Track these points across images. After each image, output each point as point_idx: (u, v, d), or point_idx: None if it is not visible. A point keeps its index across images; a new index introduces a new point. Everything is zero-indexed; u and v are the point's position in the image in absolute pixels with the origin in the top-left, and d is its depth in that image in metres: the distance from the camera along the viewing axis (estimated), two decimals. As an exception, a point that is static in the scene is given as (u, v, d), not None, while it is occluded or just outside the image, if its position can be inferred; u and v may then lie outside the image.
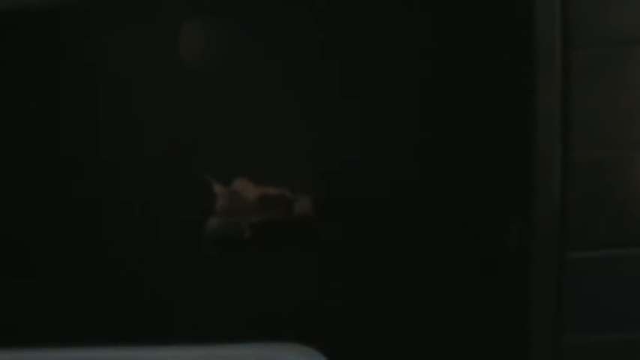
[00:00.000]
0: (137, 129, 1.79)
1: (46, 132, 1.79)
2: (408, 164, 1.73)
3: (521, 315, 1.53)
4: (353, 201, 1.75)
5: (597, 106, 1.47)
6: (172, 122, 1.79)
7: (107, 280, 1.77)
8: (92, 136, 1.79)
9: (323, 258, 1.76)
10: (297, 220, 1.79)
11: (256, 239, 1.79)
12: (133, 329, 1.65)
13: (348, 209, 1.75)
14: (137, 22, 1.76)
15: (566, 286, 1.51)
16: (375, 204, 1.74)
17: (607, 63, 1.47)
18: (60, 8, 1.70)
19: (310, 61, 1.74)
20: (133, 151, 1.79)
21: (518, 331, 1.55)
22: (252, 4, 1.73)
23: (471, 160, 1.67)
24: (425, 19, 1.67)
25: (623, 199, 1.49)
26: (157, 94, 1.78)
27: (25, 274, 1.78)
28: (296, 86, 1.76)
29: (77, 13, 1.73)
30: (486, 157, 1.65)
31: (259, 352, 1.42)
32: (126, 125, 1.79)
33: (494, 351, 1.61)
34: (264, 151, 1.78)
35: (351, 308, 1.75)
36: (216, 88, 1.78)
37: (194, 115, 1.79)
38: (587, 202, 1.49)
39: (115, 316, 1.74)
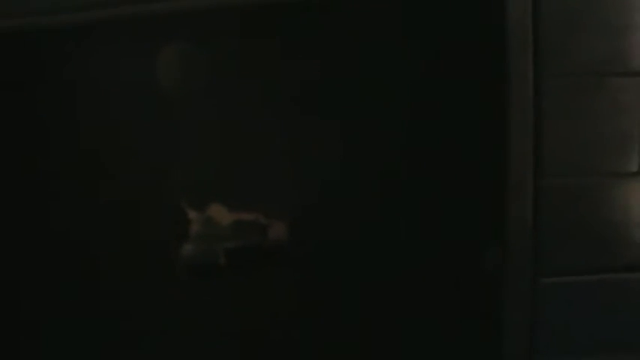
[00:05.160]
0: (114, 153, 1.79)
1: (24, 152, 1.79)
2: (385, 191, 1.74)
3: (495, 340, 1.54)
4: (327, 226, 1.76)
5: (568, 134, 1.49)
6: (147, 148, 1.79)
7: (82, 306, 1.77)
8: (70, 158, 1.79)
9: (297, 283, 1.77)
10: (272, 245, 1.80)
11: (231, 265, 1.79)
12: (106, 350, 1.66)
13: (322, 235, 1.76)
14: (116, 45, 1.77)
15: (538, 311, 1.53)
16: (349, 230, 1.75)
17: (578, 92, 1.49)
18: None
19: (287, 87, 1.75)
20: (108, 177, 1.79)
21: (492, 356, 1.56)
22: (229, 30, 1.74)
23: (447, 185, 1.68)
24: (399, 52, 1.69)
25: (594, 226, 1.51)
26: (133, 119, 1.78)
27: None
28: (271, 112, 1.76)
29: (60, 34, 1.73)
30: (462, 183, 1.66)
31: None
32: (102, 150, 1.79)
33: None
34: (238, 176, 1.79)
35: (326, 332, 1.75)
36: (193, 114, 1.79)
37: (169, 141, 1.79)
38: (558, 228, 1.51)
39: (91, 342, 1.74)
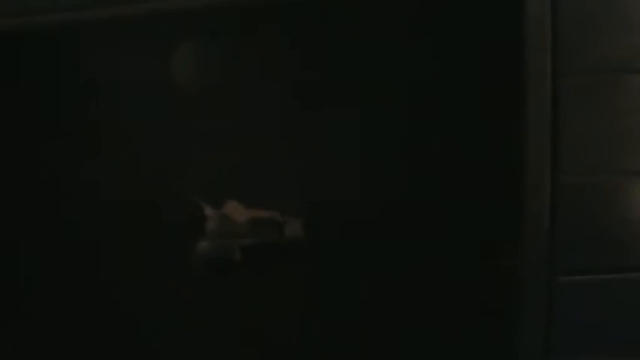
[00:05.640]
0: (130, 151, 1.80)
1: (33, 150, 1.80)
2: (400, 188, 1.74)
3: (510, 339, 1.54)
4: (343, 224, 1.76)
5: (586, 132, 1.49)
6: (165, 145, 1.79)
7: (96, 304, 1.77)
8: (83, 155, 1.80)
9: (312, 280, 1.77)
10: (288, 242, 1.80)
11: (247, 262, 1.80)
12: (121, 350, 1.66)
13: (338, 232, 1.76)
14: (130, 42, 1.77)
15: (555, 310, 1.52)
16: (366, 226, 1.75)
17: (596, 90, 1.48)
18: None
19: (302, 85, 1.76)
20: (125, 173, 1.80)
21: (507, 355, 1.55)
22: (244, 26, 1.74)
23: (465, 184, 1.68)
24: (415, 49, 1.69)
25: (611, 224, 1.50)
26: (149, 116, 1.79)
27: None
28: (288, 110, 1.77)
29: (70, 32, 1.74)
30: (479, 181, 1.66)
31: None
32: (118, 147, 1.79)
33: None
34: (255, 174, 1.79)
35: (341, 329, 1.75)
36: (209, 111, 1.79)
37: (186, 138, 1.80)
38: (575, 226, 1.50)
39: (104, 338, 1.75)
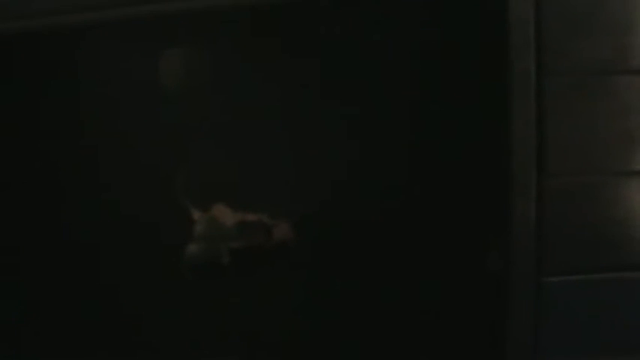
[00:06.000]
0: (117, 153, 1.79)
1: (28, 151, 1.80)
2: (388, 190, 1.73)
3: (498, 341, 1.53)
4: (331, 227, 1.75)
5: (572, 133, 1.48)
6: (151, 148, 1.79)
7: (84, 305, 1.77)
8: (73, 158, 1.79)
9: (301, 283, 1.77)
10: (276, 245, 1.80)
11: (235, 265, 1.79)
12: (107, 351, 1.66)
13: (326, 235, 1.76)
14: (119, 45, 1.77)
15: (543, 310, 1.52)
16: (355, 229, 1.75)
17: (582, 91, 1.48)
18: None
19: (290, 86, 1.75)
20: (113, 175, 1.79)
21: (495, 356, 1.55)
22: (234, 30, 1.74)
23: (450, 186, 1.68)
24: (399, 51, 1.68)
25: (598, 225, 1.50)
26: (136, 119, 1.78)
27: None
28: (275, 111, 1.76)
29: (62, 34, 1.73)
30: (464, 183, 1.66)
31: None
32: (105, 149, 1.79)
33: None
34: (242, 177, 1.79)
35: (330, 333, 1.75)
36: (195, 114, 1.79)
37: (173, 141, 1.79)
38: (562, 227, 1.50)
39: (90, 338, 1.75)
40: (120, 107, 1.78)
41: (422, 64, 1.67)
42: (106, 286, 1.79)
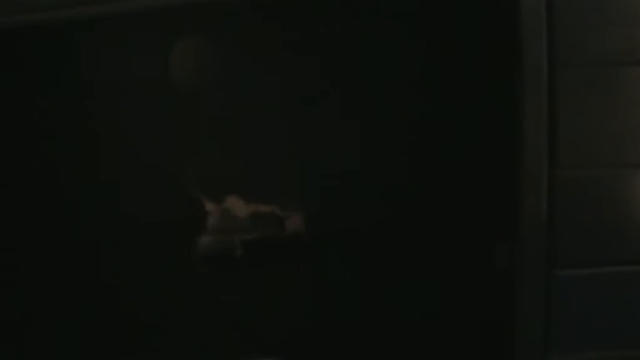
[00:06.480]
0: (129, 146, 1.80)
1: (34, 146, 1.80)
2: (399, 182, 1.73)
3: (509, 334, 1.53)
4: (343, 219, 1.75)
5: (583, 126, 1.48)
6: (164, 140, 1.79)
7: (97, 298, 1.77)
8: (83, 151, 1.80)
9: (313, 275, 1.77)
10: (289, 237, 1.80)
11: (248, 257, 1.80)
12: (120, 345, 1.66)
13: (339, 227, 1.76)
14: (127, 38, 1.77)
15: (554, 304, 1.52)
16: (367, 221, 1.75)
17: (593, 83, 1.47)
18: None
19: (301, 79, 1.75)
20: (125, 168, 1.80)
21: (506, 350, 1.55)
22: (245, 21, 1.73)
23: (459, 180, 1.68)
24: (410, 44, 1.68)
25: (609, 218, 1.50)
26: (147, 111, 1.79)
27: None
28: (287, 104, 1.77)
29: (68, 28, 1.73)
30: (474, 177, 1.66)
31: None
32: (117, 142, 1.79)
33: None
34: (255, 169, 1.79)
35: (343, 326, 1.75)
36: (208, 106, 1.79)
37: (185, 134, 1.79)
38: (573, 220, 1.50)
39: (103, 332, 1.75)
40: (126, 101, 1.78)
41: (432, 57, 1.67)
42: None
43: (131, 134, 1.79)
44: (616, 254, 1.51)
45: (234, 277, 1.80)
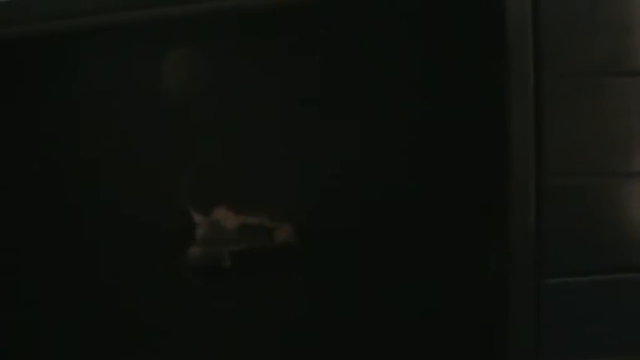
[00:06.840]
0: (119, 157, 1.80)
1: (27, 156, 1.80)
2: (389, 191, 1.73)
3: (499, 343, 1.53)
4: (333, 229, 1.75)
5: (571, 135, 1.48)
6: (153, 152, 1.79)
7: (86, 309, 1.77)
8: (74, 161, 1.80)
9: (303, 285, 1.77)
10: (278, 248, 1.80)
11: (237, 268, 1.80)
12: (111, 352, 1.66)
13: (328, 237, 1.76)
14: (119, 50, 1.77)
15: (544, 312, 1.52)
16: (357, 230, 1.75)
17: (580, 92, 1.48)
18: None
19: (290, 88, 1.75)
20: (114, 179, 1.80)
21: (499, 356, 1.55)
22: (234, 33, 1.74)
23: (449, 186, 1.68)
24: (397, 52, 1.68)
25: (597, 226, 1.50)
26: (138, 123, 1.79)
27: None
28: (276, 114, 1.77)
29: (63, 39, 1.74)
30: (463, 184, 1.66)
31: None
32: (107, 153, 1.80)
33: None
34: (243, 180, 1.79)
35: (333, 334, 1.75)
36: (197, 117, 1.79)
37: (174, 145, 1.79)
38: (562, 229, 1.50)
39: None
40: (120, 110, 1.78)
41: (418, 65, 1.67)
42: (106, 286, 1.79)
43: (120, 144, 1.79)
44: (605, 262, 1.51)
45: (225, 287, 1.80)
